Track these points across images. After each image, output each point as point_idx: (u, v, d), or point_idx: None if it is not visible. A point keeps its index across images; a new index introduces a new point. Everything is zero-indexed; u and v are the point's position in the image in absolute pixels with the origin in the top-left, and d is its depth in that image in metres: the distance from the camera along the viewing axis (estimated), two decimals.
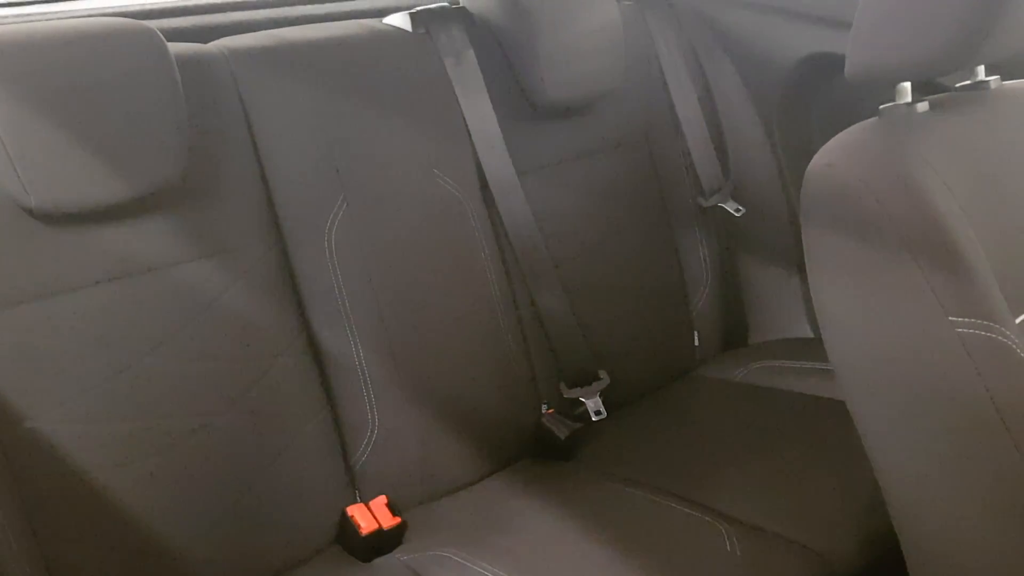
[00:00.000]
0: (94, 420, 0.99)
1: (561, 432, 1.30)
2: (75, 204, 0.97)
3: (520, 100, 1.37)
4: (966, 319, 0.73)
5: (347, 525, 1.13)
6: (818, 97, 1.57)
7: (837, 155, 0.81)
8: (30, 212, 0.96)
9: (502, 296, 1.31)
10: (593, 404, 1.34)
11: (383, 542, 1.12)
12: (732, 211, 1.57)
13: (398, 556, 1.11)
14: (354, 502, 1.16)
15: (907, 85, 0.84)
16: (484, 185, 1.31)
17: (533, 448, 1.33)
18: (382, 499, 1.15)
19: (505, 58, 1.36)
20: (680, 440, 1.33)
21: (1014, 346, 0.74)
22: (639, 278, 1.50)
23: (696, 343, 1.58)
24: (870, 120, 0.85)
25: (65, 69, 0.95)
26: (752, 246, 1.65)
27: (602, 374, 1.37)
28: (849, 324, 0.82)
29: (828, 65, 1.43)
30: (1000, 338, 0.74)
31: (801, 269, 1.61)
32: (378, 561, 1.11)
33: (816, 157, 0.83)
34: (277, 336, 1.12)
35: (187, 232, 1.06)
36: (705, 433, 1.35)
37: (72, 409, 0.98)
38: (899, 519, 0.86)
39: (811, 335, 1.61)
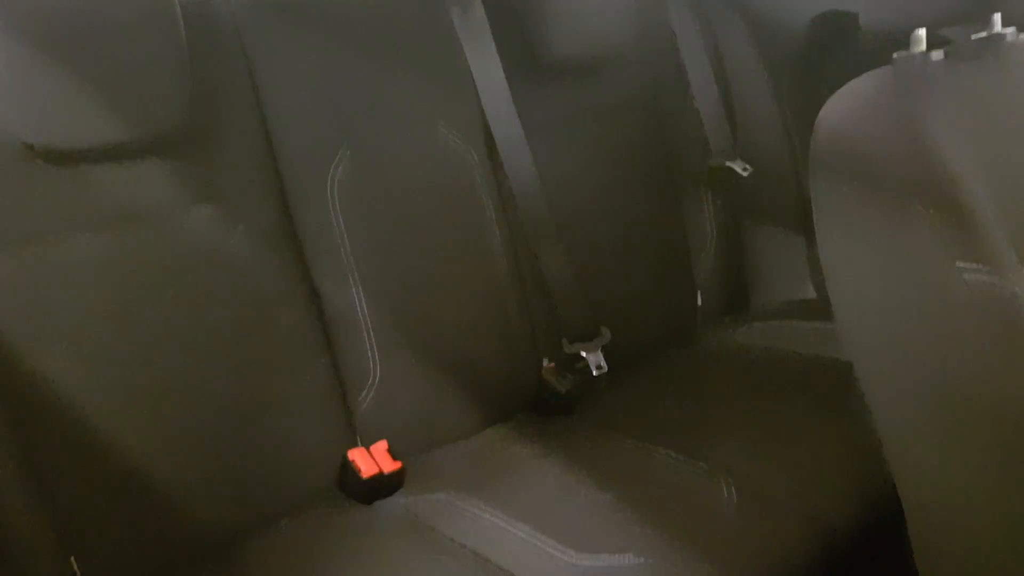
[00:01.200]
0: (95, 362, 0.99)
1: (562, 386, 1.30)
2: (76, 143, 0.97)
3: (527, 56, 1.34)
4: (973, 265, 0.73)
5: (348, 469, 1.14)
6: (829, 58, 1.55)
7: (847, 102, 0.80)
8: (31, 149, 0.96)
9: (505, 250, 1.30)
10: (594, 358, 1.32)
11: (383, 486, 1.13)
12: (739, 170, 1.56)
13: (398, 499, 1.12)
14: (355, 447, 1.17)
15: (922, 33, 0.83)
16: (489, 140, 1.30)
17: (533, 402, 1.33)
18: (383, 444, 1.16)
19: (512, 12, 1.34)
20: (681, 398, 1.33)
21: (1021, 296, 0.74)
22: (643, 238, 1.49)
23: (699, 303, 1.57)
24: (882, 68, 0.84)
25: (68, 10, 0.95)
26: (758, 208, 1.64)
27: (604, 330, 1.37)
28: (854, 274, 0.82)
29: (840, 25, 1.41)
30: (1008, 285, 0.73)
31: (807, 231, 1.60)
32: (378, 504, 1.12)
33: (826, 105, 0.81)
34: (279, 283, 1.12)
35: (188, 179, 1.06)
36: (706, 391, 1.35)
37: (72, 351, 0.98)
38: (900, 477, 0.85)
39: (815, 297, 1.61)
